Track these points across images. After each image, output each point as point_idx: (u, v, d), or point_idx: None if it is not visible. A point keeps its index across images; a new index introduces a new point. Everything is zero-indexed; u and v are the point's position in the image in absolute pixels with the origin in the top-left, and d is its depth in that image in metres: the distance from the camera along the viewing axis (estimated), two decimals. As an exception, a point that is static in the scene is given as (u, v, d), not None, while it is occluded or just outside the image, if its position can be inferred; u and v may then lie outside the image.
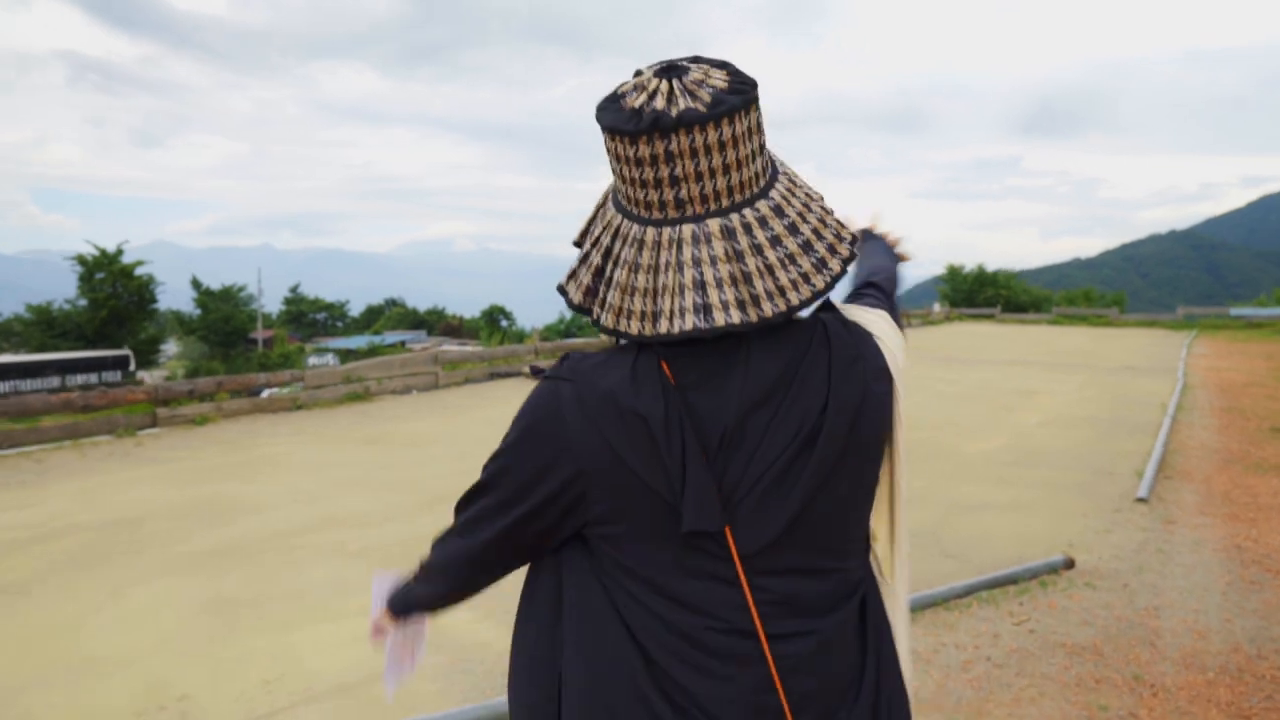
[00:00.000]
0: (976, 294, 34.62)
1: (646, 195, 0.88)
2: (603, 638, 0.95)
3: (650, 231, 0.89)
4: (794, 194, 0.92)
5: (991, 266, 36.77)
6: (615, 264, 0.92)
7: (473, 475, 1.03)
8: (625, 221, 0.92)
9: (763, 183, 0.90)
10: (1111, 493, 6.05)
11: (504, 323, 51.85)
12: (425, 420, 9.75)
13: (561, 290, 0.99)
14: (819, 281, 0.89)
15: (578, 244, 0.99)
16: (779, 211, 0.90)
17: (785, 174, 0.95)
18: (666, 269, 0.87)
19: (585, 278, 0.96)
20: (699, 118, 0.83)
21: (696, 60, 0.88)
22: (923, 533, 5.06)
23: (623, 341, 0.94)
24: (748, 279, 0.86)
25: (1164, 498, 5.90)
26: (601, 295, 0.94)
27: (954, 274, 36.44)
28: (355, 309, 71.54)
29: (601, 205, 0.98)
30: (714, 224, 0.86)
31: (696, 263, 0.86)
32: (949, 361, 15.76)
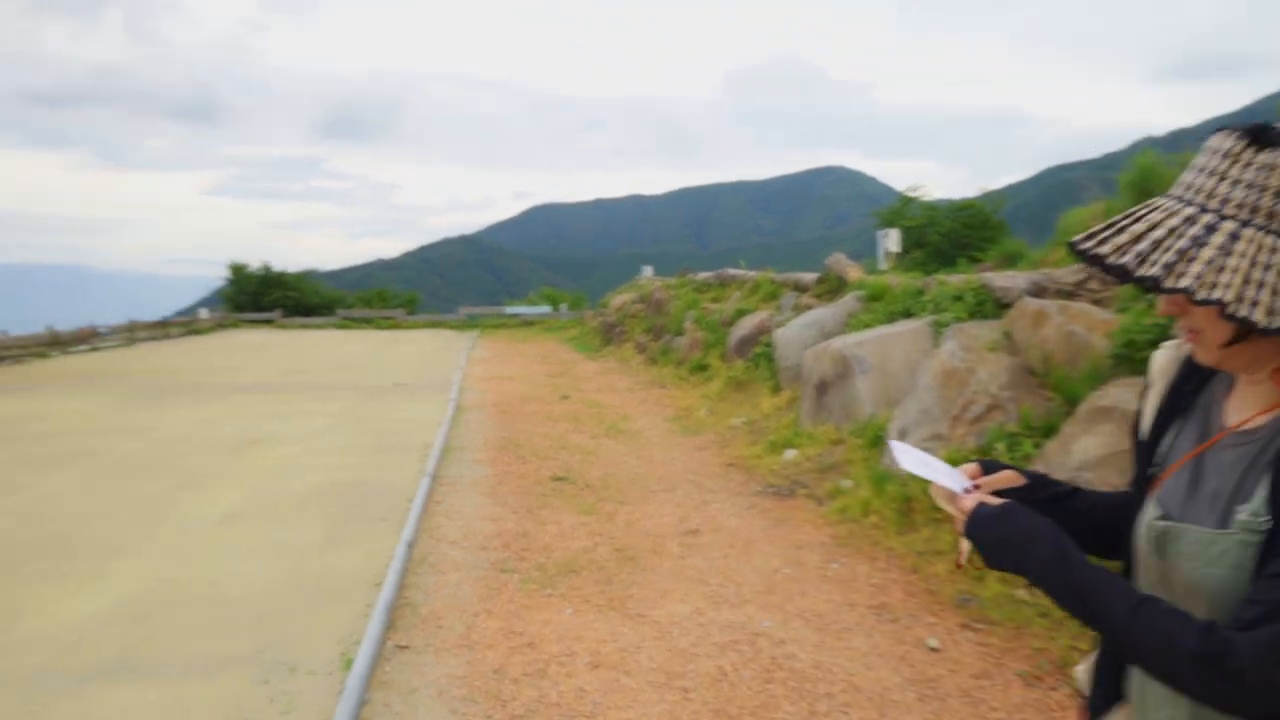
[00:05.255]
0: (263, 296, 31.79)
1: None
2: None
3: None
4: None
5: (296, 267, 34.49)
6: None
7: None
8: None
9: None
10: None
11: None
12: None
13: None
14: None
15: None
16: None
17: None
18: None
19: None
20: None
21: None
22: None
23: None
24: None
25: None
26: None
27: (238, 274, 33.07)
28: None
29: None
30: None
31: None
32: (160, 395, 11.08)
